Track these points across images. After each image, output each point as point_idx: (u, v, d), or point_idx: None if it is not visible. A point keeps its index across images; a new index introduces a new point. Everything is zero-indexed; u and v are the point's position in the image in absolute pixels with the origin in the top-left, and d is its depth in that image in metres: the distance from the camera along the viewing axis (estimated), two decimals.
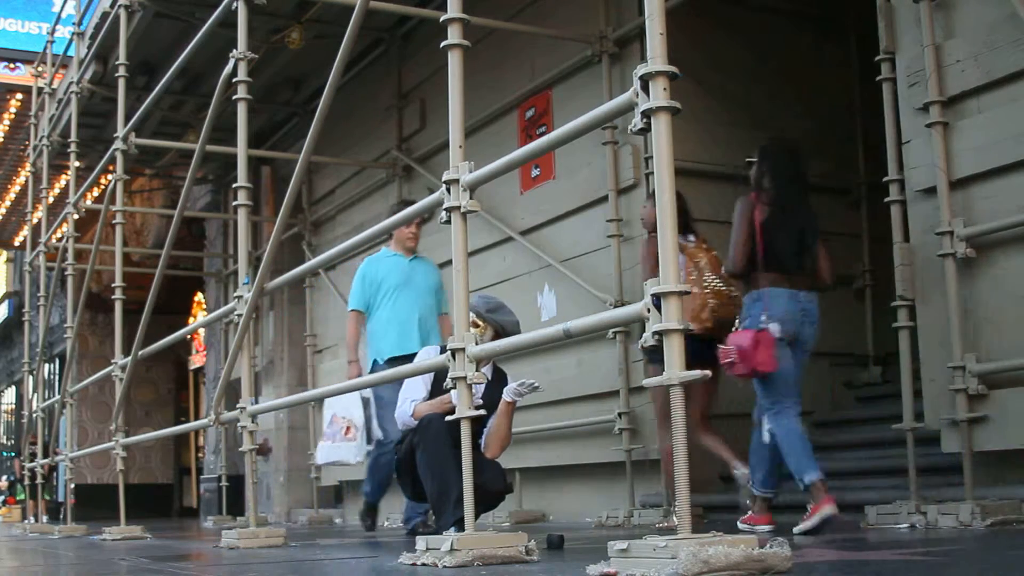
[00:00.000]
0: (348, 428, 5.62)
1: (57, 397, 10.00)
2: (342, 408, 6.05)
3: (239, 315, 5.46)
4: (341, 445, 5.66)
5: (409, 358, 5.33)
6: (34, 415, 10.96)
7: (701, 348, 4.71)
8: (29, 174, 11.89)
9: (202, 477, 13.23)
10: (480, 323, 4.57)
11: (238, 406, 5.46)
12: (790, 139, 5.09)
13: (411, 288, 6.22)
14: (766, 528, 4.83)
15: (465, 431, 3.46)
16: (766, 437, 4.74)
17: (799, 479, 4.59)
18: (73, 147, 8.82)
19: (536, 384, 4.45)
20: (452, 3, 3.70)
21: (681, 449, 2.57)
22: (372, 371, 6.05)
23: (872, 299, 7.11)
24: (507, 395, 4.48)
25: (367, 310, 6.28)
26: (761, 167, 4.87)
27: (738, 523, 4.91)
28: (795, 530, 4.47)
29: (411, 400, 4.61)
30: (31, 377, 11.37)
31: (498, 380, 4.70)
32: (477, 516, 3.63)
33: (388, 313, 6.19)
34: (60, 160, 11.29)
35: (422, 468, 4.46)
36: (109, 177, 8.74)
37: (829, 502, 4.47)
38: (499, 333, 4.60)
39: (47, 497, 13.48)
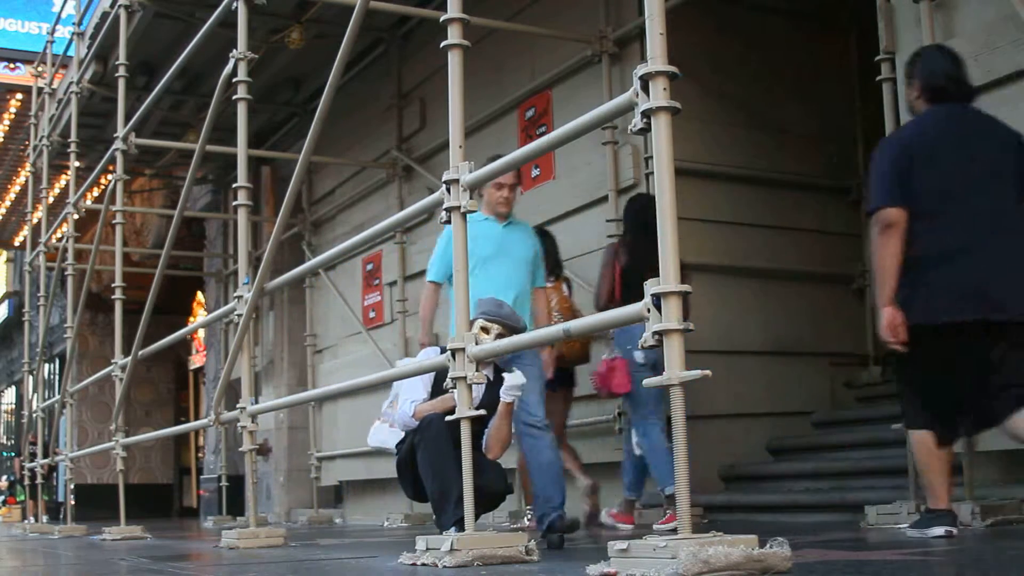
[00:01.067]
0: None
1: (57, 397, 10.00)
2: (408, 389, 5.03)
3: (239, 315, 5.46)
4: (393, 432, 4.91)
5: None
6: (34, 415, 10.96)
7: (554, 377, 5.48)
8: (29, 174, 11.89)
9: (202, 477, 13.23)
10: (491, 327, 4.55)
11: (238, 406, 5.46)
12: (645, 195, 5.92)
13: (505, 259, 5.11)
14: (628, 527, 5.61)
15: (465, 431, 3.46)
16: (636, 449, 5.57)
17: (661, 489, 5.38)
18: (73, 147, 8.83)
19: (524, 382, 4.44)
20: (452, 3, 3.70)
21: (682, 449, 2.57)
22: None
23: (872, 299, 7.10)
24: (504, 396, 4.47)
25: (449, 282, 5.00)
26: (627, 227, 5.81)
27: (604, 519, 5.84)
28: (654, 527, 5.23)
29: (411, 401, 4.60)
30: (31, 377, 11.37)
31: (499, 380, 4.69)
32: (477, 517, 3.63)
33: (477, 289, 4.89)
34: (60, 160, 11.29)
35: (423, 468, 4.45)
36: (109, 177, 8.74)
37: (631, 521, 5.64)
38: (506, 332, 4.62)
39: (47, 497, 13.48)
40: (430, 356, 4.66)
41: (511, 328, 4.56)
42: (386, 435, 4.96)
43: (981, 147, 3.71)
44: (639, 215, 5.61)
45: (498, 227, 5.15)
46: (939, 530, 3.62)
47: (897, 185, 3.62)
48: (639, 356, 5.39)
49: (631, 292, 5.04)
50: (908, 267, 3.57)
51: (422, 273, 8.52)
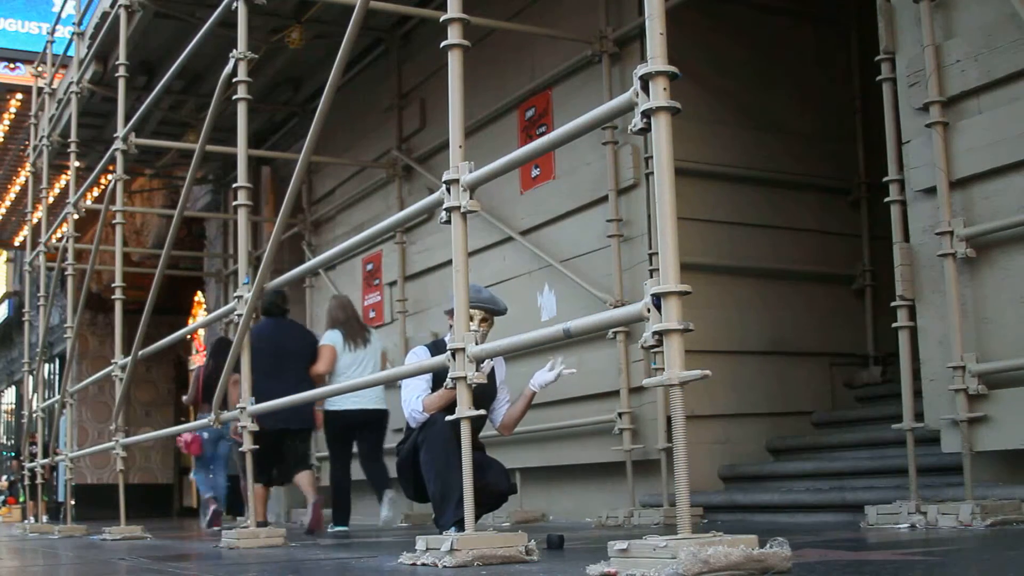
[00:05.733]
0: None
1: (57, 397, 9.99)
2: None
3: (239, 315, 5.46)
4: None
5: None
6: (34, 415, 10.96)
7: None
8: (29, 174, 11.88)
9: None
10: (474, 313, 4.58)
11: (238, 406, 5.47)
12: (225, 338, 8.96)
13: None
14: (217, 529, 8.10)
15: (465, 431, 3.46)
16: (203, 486, 9.31)
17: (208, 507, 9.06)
18: (73, 147, 8.82)
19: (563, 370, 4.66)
20: (452, 3, 3.70)
21: (681, 450, 2.57)
22: None
23: (872, 299, 7.11)
24: (535, 386, 4.65)
25: None
26: (215, 357, 8.62)
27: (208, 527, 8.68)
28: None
29: (418, 396, 4.61)
30: (31, 377, 11.36)
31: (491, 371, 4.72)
32: (480, 517, 3.64)
33: None
34: (60, 160, 11.28)
35: (425, 467, 4.47)
36: (109, 177, 8.73)
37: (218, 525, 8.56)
38: (488, 316, 4.70)
39: (47, 497, 13.47)
40: (421, 356, 4.69)
41: (492, 311, 4.67)
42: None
43: (289, 340, 7.13)
44: (221, 349, 8.43)
45: None
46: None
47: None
48: (204, 434, 8.77)
49: (209, 395, 7.81)
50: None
51: (422, 273, 8.58)
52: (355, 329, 7.24)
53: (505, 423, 4.88)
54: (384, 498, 6.99)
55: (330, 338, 7.21)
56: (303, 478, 7.20)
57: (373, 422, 7.15)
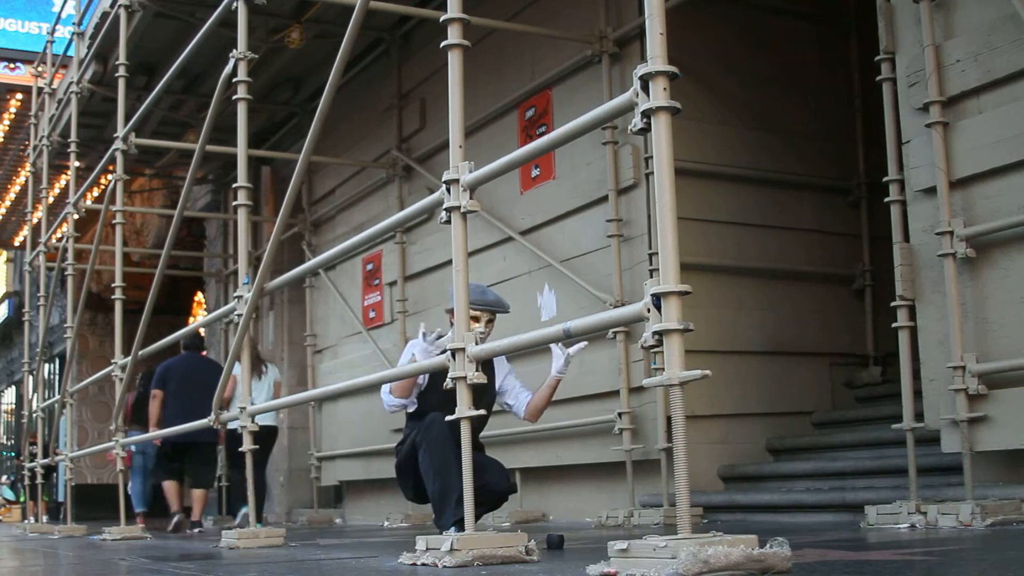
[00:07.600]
0: None
1: (57, 397, 9.99)
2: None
3: (239, 315, 5.46)
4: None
5: None
6: (34, 415, 10.96)
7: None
8: (29, 174, 11.88)
9: None
10: (480, 315, 4.58)
11: (238, 406, 5.47)
12: (150, 369, 9.52)
13: None
14: (141, 527, 8.61)
15: (465, 431, 3.46)
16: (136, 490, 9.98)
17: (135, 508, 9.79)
18: (73, 147, 8.82)
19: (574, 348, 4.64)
20: (452, 3, 3.70)
21: (681, 450, 2.57)
22: None
23: (872, 299, 7.11)
24: (557, 372, 4.66)
25: None
26: (143, 384, 9.59)
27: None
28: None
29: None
30: (31, 377, 11.36)
31: (488, 365, 4.70)
32: (480, 516, 3.63)
33: None
34: (60, 160, 11.28)
35: (424, 468, 4.46)
36: (109, 177, 8.74)
37: (143, 524, 9.16)
38: (493, 317, 4.68)
39: (47, 497, 13.47)
40: (420, 348, 4.67)
41: (496, 312, 4.66)
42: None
43: (198, 371, 8.34)
44: (150, 376, 9.22)
45: None
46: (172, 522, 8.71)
47: (161, 380, 8.59)
48: (134, 447, 9.40)
49: (138, 416, 9.36)
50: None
51: (422, 273, 8.59)
52: (253, 363, 8.33)
53: (531, 413, 4.83)
54: (241, 511, 8.34)
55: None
56: (200, 494, 9.08)
57: (269, 437, 8.84)
